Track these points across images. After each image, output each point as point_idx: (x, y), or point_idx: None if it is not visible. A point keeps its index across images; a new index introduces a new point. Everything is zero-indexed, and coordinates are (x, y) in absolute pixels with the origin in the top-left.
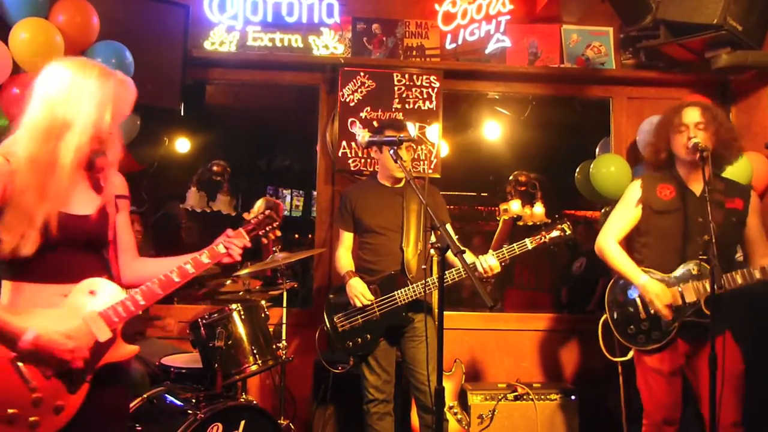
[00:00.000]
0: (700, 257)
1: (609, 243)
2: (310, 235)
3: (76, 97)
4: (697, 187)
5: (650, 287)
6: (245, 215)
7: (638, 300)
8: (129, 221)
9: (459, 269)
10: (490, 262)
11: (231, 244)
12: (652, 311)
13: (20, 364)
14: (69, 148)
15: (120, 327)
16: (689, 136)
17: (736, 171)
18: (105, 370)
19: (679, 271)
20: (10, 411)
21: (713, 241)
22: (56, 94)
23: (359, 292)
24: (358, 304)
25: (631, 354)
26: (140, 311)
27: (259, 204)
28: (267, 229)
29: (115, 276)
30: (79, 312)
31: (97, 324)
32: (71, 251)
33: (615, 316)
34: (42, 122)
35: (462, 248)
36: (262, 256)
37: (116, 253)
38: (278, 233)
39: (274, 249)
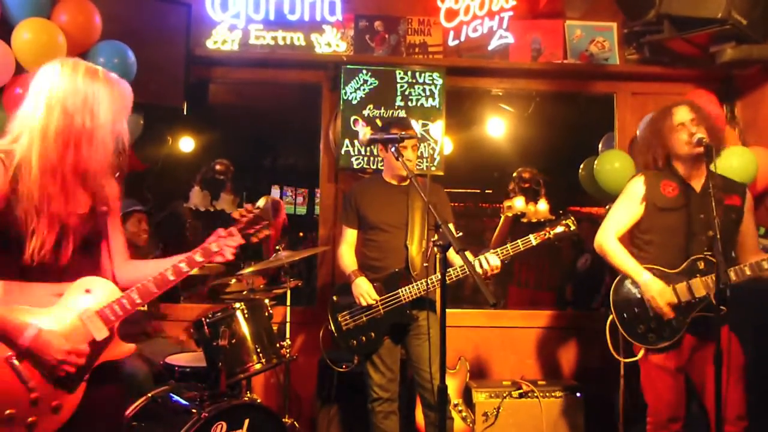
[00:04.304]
0: (705, 253)
1: (609, 240)
2: (313, 233)
3: (92, 103)
4: (697, 183)
5: (651, 285)
6: (234, 214)
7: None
8: (120, 224)
9: (460, 266)
10: (492, 262)
11: (223, 243)
12: (651, 313)
13: (17, 362)
14: (95, 157)
15: (117, 325)
16: (690, 132)
17: (741, 166)
18: (101, 369)
19: (685, 267)
20: (8, 412)
21: (718, 236)
22: (70, 99)
23: (365, 291)
24: (363, 303)
25: (641, 354)
26: (136, 309)
27: (261, 202)
28: (256, 228)
29: (109, 277)
30: (75, 311)
31: (94, 323)
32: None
33: (623, 316)
34: (58, 128)
35: (463, 246)
36: (262, 255)
37: (110, 254)
38: (267, 233)
39: (277, 247)
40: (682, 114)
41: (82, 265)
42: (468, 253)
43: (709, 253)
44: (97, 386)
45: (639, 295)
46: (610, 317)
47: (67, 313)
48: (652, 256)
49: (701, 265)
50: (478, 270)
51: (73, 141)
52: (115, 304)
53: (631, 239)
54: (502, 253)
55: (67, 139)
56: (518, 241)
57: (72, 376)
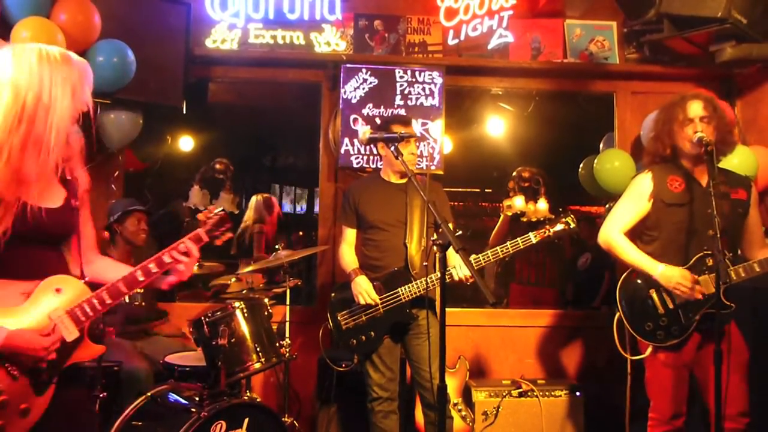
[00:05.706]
0: (705, 251)
1: (616, 235)
2: (313, 233)
3: (48, 80)
4: (703, 179)
5: (671, 274)
6: (199, 216)
7: (654, 295)
8: (90, 217)
9: (452, 268)
10: (465, 273)
11: (190, 245)
12: (671, 305)
13: None
14: (53, 130)
15: (87, 326)
16: (695, 130)
17: (741, 165)
18: (69, 371)
19: (693, 264)
20: None
21: (718, 235)
22: (21, 77)
23: (364, 289)
24: (362, 302)
25: (649, 350)
26: (106, 309)
27: (252, 201)
28: (222, 230)
29: (77, 272)
30: (45, 310)
31: (64, 323)
32: (32, 246)
33: (630, 313)
34: (6, 107)
35: (463, 246)
36: (252, 253)
37: (79, 249)
38: (230, 235)
39: (276, 246)
40: (694, 109)
41: (50, 262)
42: (456, 258)
43: (709, 252)
44: (65, 389)
45: (646, 292)
46: (617, 314)
47: (38, 313)
48: (658, 251)
49: (710, 261)
50: (456, 278)
51: (27, 118)
52: (86, 304)
53: (637, 234)
54: (502, 251)
55: (20, 117)
56: (518, 239)
57: (42, 377)
